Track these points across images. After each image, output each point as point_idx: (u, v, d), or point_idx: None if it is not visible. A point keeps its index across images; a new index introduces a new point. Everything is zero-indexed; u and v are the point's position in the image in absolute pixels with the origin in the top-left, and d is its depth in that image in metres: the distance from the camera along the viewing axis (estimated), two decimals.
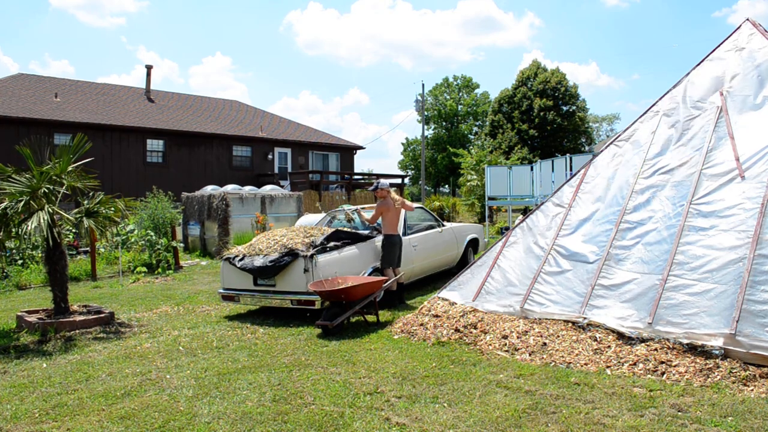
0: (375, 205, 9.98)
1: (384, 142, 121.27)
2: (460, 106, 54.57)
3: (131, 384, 5.00)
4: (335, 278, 7.14)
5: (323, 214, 11.11)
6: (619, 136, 7.21)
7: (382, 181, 8.28)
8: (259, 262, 7.37)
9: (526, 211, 16.86)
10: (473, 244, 11.18)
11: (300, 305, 7.25)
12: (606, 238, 6.16)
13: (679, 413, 4.06)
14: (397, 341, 6.20)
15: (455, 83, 55.47)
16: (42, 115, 21.28)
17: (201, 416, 4.25)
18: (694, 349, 4.96)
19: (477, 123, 54.84)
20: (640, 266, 5.73)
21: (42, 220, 6.67)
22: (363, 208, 9.22)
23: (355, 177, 27.72)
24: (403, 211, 9.14)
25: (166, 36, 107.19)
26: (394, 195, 8.24)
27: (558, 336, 5.58)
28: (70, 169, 7.40)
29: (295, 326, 7.06)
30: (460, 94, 55.18)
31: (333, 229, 8.07)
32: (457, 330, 6.10)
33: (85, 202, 7.70)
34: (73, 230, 10.81)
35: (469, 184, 25.05)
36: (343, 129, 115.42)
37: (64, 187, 7.26)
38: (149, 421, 4.18)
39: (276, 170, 27.74)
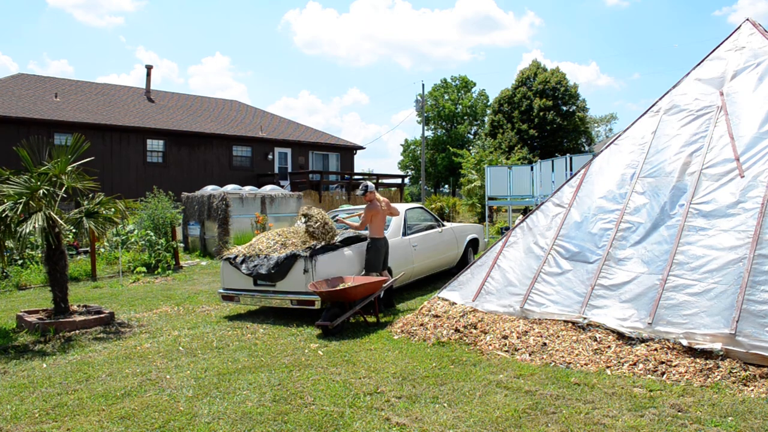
0: (354, 208, 9.86)
1: (384, 142, 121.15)
2: (459, 107, 54.56)
3: (131, 384, 5.00)
4: (335, 278, 7.14)
5: None
6: (619, 135, 7.21)
7: (370, 183, 7.92)
8: (264, 269, 7.37)
9: (526, 211, 16.85)
10: (473, 244, 11.18)
11: (300, 305, 7.26)
12: (606, 239, 6.16)
13: (679, 413, 4.06)
14: (397, 341, 6.20)
15: (453, 84, 55.47)
16: (42, 115, 21.28)
17: (201, 416, 4.25)
18: (694, 350, 4.95)
19: (476, 123, 54.81)
20: (640, 266, 5.73)
21: (37, 224, 6.66)
22: (349, 215, 8.92)
23: (355, 177, 27.71)
24: (403, 211, 9.14)
25: (165, 36, 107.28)
26: (378, 196, 7.96)
27: (558, 336, 5.58)
28: (69, 169, 7.40)
29: (295, 326, 7.06)
30: (459, 94, 55.17)
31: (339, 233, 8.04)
32: (457, 330, 6.10)
33: (85, 202, 7.70)
34: (73, 230, 10.82)
35: (471, 185, 25.02)
36: (342, 129, 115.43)
37: (63, 188, 7.26)
38: (149, 421, 4.18)
39: (276, 170, 27.73)
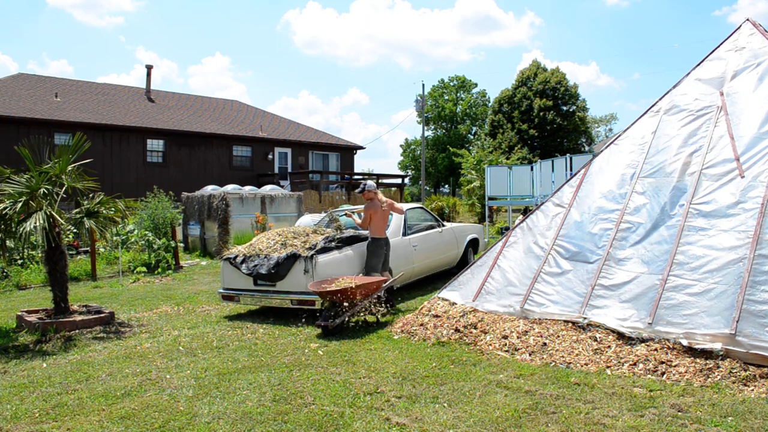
0: (354, 207, 9.85)
1: (384, 142, 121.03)
2: (458, 108, 54.57)
3: (131, 384, 5.00)
4: (335, 278, 7.14)
5: (323, 214, 11.11)
6: (619, 135, 7.21)
7: (369, 182, 8.01)
8: (264, 269, 7.38)
9: (526, 211, 16.85)
10: (473, 244, 11.18)
11: (300, 305, 7.26)
12: (606, 239, 6.16)
13: (679, 413, 4.07)
14: (397, 341, 6.20)
15: (452, 84, 55.48)
16: (42, 115, 21.28)
17: (201, 416, 4.25)
18: (694, 349, 4.96)
19: (476, 123, 54.81)
20: (640, 266, 5.73)
21: (38, 222, 6.67)
22: (353, 211, 8.94)
23: (355, 177, 27.72)
24: (403, 210, 9.13)
25: (165, 36, 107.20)
26: (381, 196, 7.97)
27: (558, 336, 5.58)
28: (69, 169, 7.40)
29: (295, 326, 7.06)
30: (458, 94, 55.18)
31: (334, 232, 8.04)
32: (457, 330, 6.10)
33: (86, 202, 7.71)
34: (74, 230, 10.83)
35: (471, 185, 25.01)
36: (342, 129, 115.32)
37: (63, 188, 7.26)
38: (149, 421, 4.18)
39: (276, 170, 27.74)
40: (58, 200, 7.17)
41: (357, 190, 8.02)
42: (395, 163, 70.28)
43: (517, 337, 5.71)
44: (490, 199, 19.95)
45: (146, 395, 4.72)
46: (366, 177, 28.54)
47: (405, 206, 9.46)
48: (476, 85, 55.79)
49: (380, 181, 28.47)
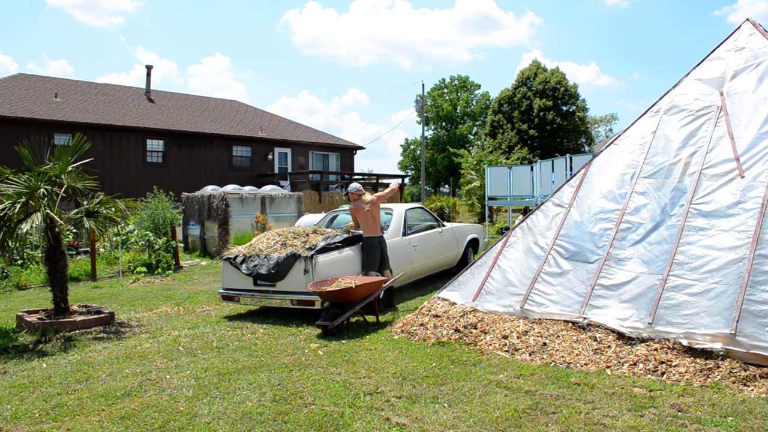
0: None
1: (384, 142, 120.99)
2: (458, 108, 54.58)
3: (131, 384, 5.00)
4: (335, 278, 7.14)
5: (323, 214, 11.12)
6: (619, 135, 7.21)
7: (352, 185, 8.20)
8: (264, 269, 7.38)
9: (526, 211, 16.85)
10: (473, 244, 11.18)
11: (300, 305, 7.26)
12: (606, 239, 6.16)
13: (679, 413, 4.07)
14: (397, 341, 6.20)
15: (453, 84, 55.50)
16: (42, 115, 21.27)
17: (201, 416, 4.25)
18: (694, 350, 4.96)
19: (477, 123, 54.82)
20: (640, 266, 5.73)
21: (36, 223, 6.66)
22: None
23: (355, 177, 27.70)
24: (403, 211, 9.13)
25: (165, 36, 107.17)
26: (366, 197, 8.05)
27: (558, 336, 5.58)
28: (69, 169, 7.40)
29: (295, 326, 7.06)
30: (458, 95, 55.20)
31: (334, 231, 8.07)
32: (457, 330, 6.10)
33: (85, 202, 7.71)
34: (73, 230, 10.83)
35: (471, 185, 25.02)
36: (342, 129, 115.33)
37: (63, 188, 7.26)
38: (149, 421, 4.18)
39: (276, 170, 27.73)
40: (57, 200, 7.16)
41: (343, 193, 8.16)
42: (395, 163, 70.32)
43: (517, 337, 5.71)
44: (490, 199, 19.96)
45: (146, 395, 4.72)
46: (365, 177, 28.56)
47: (405, 206, 9.48)
48: (479, 86, 55.82)
49: (380, 181, 28.45)
